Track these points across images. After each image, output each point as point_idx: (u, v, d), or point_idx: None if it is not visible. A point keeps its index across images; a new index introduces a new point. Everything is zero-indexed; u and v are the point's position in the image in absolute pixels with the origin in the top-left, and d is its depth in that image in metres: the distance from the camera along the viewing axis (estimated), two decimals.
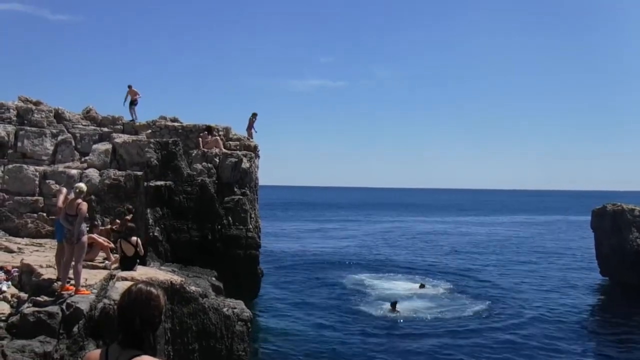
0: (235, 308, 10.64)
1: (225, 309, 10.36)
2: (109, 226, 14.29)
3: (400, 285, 23.42)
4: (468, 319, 17.84)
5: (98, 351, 2.60)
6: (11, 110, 17.91)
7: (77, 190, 8.84)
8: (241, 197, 17.80)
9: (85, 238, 8.88)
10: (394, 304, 18.57)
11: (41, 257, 11.73)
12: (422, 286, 23.08)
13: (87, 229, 9.17)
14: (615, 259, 24.40)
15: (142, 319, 2.49)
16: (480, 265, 30.54)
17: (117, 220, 14.21)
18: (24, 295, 9.50)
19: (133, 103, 20.40)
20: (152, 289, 2.58)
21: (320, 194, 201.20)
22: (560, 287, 24.39)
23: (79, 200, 8.71)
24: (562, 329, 17.23)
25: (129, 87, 20.36)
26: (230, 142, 19.88)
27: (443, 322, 17.26)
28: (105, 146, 18.14)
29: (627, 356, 15.11)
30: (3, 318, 8.54)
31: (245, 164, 18.30)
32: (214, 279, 13.09)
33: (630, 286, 23.18)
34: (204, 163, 18.02)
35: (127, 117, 19.95)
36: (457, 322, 17.27)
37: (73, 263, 8.73)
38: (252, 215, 18.26)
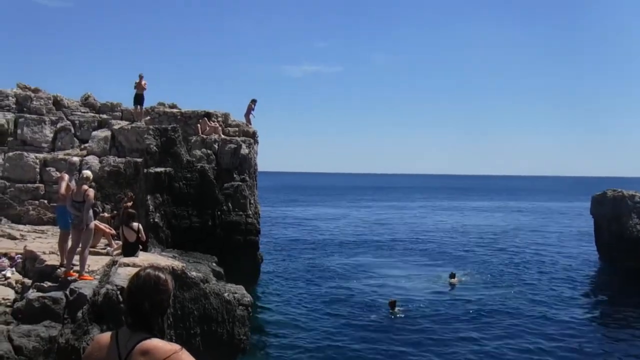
0: (236, 293, 10.77)
1: (226, 294, 10.49)
2: (107, 215, 14.41)
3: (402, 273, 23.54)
4: (472, 313, 17.60)
5: (108, 334, 2.63)
6: (10, 98, 17.94)
7: (84, 177, 8.98)
8: (240, 183, 17.91)
9: (92, 224, 9.03)
10: (392, 303, 16.45)
11: (44, 243, 11.88)
12: (452, 276, 20.84)
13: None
14: (614, 245, 24.44)
15: (151, 303, 2.54)
16: (478, 254, 30.71)
17: (115, 212, 14.32)
18: (28, 281, 9.66)
19: (138, 99, 18.62)
20: (161, 274, 2.63)
21: (314, 179, 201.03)
22: (559, 272, 24.40)
23: (86, 187, 8.83)
24: (563, 316, 16.98)
25: (140, 76, 18.54)
26: (229, 128, 19.93)
27: (445, 315, 17.00)
28: (104, 133, 18.21)
29: (631, 341, 15.11)
30: (9, 304, 8.71)
31: (244, 150, 18.38)
32: (214, 264, 13.22)
33: (629, 271, 23.25)
34: (203, 149, 18.09)
35: (125, 104, 19.91)
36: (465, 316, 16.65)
37: (79, 249, 8.87)
38: (252, 201, 18.37)
